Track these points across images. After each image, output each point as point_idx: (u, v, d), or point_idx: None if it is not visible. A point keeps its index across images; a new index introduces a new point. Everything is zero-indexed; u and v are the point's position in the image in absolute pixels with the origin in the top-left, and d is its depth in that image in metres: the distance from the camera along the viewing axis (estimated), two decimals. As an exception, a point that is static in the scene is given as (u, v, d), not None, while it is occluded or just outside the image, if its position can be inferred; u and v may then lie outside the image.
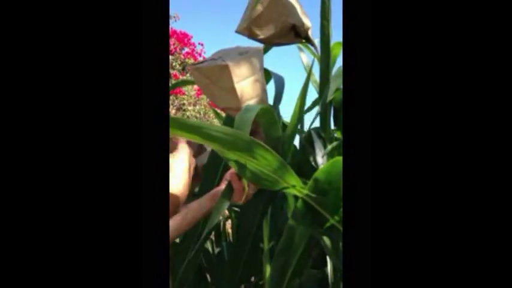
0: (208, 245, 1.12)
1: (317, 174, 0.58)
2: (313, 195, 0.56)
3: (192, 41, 4.69)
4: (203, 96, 4.41)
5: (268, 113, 0.62)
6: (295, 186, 0.55)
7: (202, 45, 4.80)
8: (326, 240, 0.61)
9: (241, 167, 0.53)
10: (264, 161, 0.51)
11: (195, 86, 4.19)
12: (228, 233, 1.27)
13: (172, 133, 0.48)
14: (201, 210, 0.68)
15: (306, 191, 0.56)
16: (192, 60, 4.51)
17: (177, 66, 4.49)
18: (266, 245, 0.81)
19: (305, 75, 1.00)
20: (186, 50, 4.64)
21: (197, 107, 4.51)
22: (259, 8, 0.81)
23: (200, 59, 4.51)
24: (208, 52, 4.80)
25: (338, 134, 0.89)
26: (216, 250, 1.15)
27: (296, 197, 0.59)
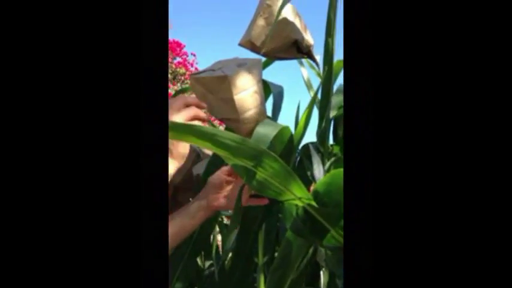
0: (198, 259, 1.10)
1: (317, 186, 0.59)
2: (315, 205, 0.56)
3: (185, 50, 4.71)
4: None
5: (286, 133, 0.62)
6: (300, 198, 0.55)
7: (194, 55, 4.83)
8: (326, 252, 0.61)
9: (249, 175, 0.53)
10: (271, 171, 0.51)
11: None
12: (218, 247, 1.25)
13: (184, 139, 0.48)
14: (194, 222, 0.67)
15: (309, 201, 0.55)
16: (183, 70, 4.51)
17: (168, 75, 4.50)
18: (260, 259, 0.80)
19: (305, 89, 1.01)
20: (178, 59, 4.64)
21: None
22: (262, 23, 0.83)
23: (192, 69, 4.53)
24: (200, 63, 4.83)
25: (335, 149, 0.89)
26: (207, 264, 1.13)
27: (297, 208, 0.59)
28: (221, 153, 0.50)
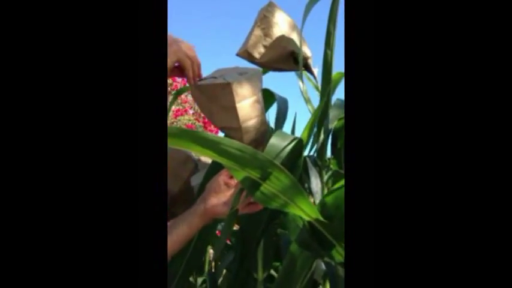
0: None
1: (326, 198, 0.57)
2: (322, 219, 0.54)
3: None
4: (180, 118, 4.43)
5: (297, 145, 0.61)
6: (306, 213, 0.53)
7: (183, 66, 4.83)
8: (336, 267, 0.59)
9: (253, 186, 0.51)
10: (278, 182, 0.50)
11: (173, 107, 4.20)
12: (210, 262, 1.22)
13: (185, 147, 0.45)
14: (190, 230, 0.64)
15: (315, 216, 0.54)
16: (169, 81, 4.53)
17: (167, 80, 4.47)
18: (260, 275, 0.78)
19: (299, 101, 1.00)
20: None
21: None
22: (260, 33, 0.82)
23: (179, 79, 4.53)
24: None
25: (333, 163, 0.88)
26: (199, 280, 1.09)
27: (303, 220, 0.57)
28: (225, 162, 0.48)
